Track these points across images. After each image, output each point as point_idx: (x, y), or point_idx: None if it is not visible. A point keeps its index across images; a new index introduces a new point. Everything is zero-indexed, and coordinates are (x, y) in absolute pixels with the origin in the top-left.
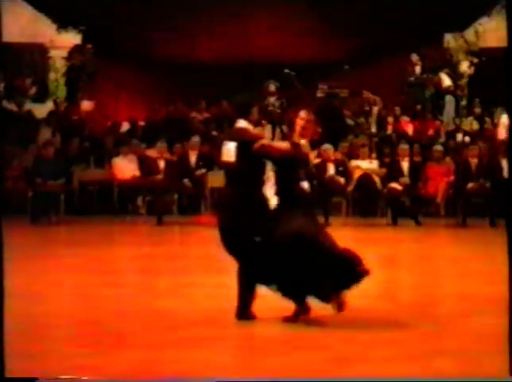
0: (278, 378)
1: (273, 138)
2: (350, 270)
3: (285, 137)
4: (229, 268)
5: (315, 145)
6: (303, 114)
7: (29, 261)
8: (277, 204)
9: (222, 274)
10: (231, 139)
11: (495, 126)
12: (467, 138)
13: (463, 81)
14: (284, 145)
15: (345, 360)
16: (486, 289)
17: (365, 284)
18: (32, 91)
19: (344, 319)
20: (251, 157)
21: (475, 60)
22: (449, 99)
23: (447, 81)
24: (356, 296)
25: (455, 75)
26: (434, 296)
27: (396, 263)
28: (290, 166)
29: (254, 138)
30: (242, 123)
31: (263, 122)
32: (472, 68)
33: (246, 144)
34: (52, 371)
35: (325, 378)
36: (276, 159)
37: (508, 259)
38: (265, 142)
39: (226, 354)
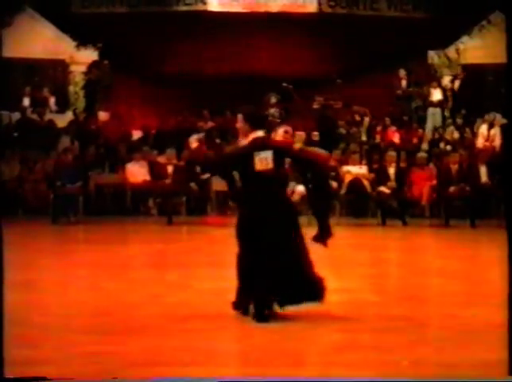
0: (278, 378)
1: None
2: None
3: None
4: (232, 263)
5: None
6: (285, 128)
7: (50, 257)
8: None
9: (226, 268)
10: (265, 148)
11: (474, 135)
12: (448, 147)
13: (447, 94)
14: (321, 151)
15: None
16: (465, 285)
17: (355, 278)
18: (54, 102)
19: (333, 310)
20: (284, 162)
21: (460, 75)
22: (432, 111)
23: (437, 95)
24: (344, 289)
25: (440, 89)
26: (416, 289)
27: (384, 259)
28: (319, 171)
29: (288, 145)
30: (260, 133)
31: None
32: (456, 83)
33: (282, 151)
34: (66, 355)
35: (326, 378)
36: (313, 164)
37: (508, 258)
38: (300, 147)
39: (226, 343)
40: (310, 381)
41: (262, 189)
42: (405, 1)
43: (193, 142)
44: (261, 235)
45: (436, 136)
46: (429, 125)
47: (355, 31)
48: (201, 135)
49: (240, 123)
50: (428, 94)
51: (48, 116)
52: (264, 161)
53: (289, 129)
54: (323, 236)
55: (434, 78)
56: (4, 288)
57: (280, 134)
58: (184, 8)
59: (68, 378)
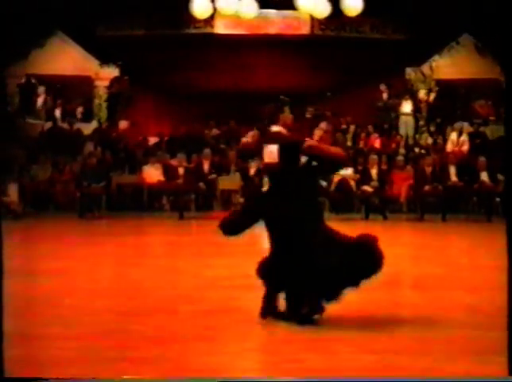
0: (278, 378)
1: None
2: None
3: (242, 157)
4: (236, 252)
5: None
6: (323, 125)
7: (78, 247)
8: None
9: (230, 257)
10: (272, 142)
11: (445, 141)
12: (423, 151)
13: (422, 105)
14: (334, 148)
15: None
16: (437, 270)
17: None
18: (81, 113)
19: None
20: (294, 157)
21: (434, 89)
22: (404, 119)
23: (406, 107)
24: None
25: (415, 101)
26: (394, 275)
27: None
28: (330, 168)
29: (297, 139)
30: (276, 128)
31: None
32: (431, 95)
33: (289, 145)
34: (92, 332)
35: (326, 378)
36: (324, 159)
37: (507, 257)
38: (313, 142)
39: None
40: (310, 381)
41: (283, 182)
42: (385, 25)
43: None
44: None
45: (412, 142)
46: (402, 132)
47: (343, 51)
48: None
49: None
50: (401, 105)
51: (76, 125)
52: (270, 154)
53: (324, 125)
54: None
55: (411, 92)
56: (37, 276)
57: (318, 133)
58: (194, 31)
59: (68, 378)
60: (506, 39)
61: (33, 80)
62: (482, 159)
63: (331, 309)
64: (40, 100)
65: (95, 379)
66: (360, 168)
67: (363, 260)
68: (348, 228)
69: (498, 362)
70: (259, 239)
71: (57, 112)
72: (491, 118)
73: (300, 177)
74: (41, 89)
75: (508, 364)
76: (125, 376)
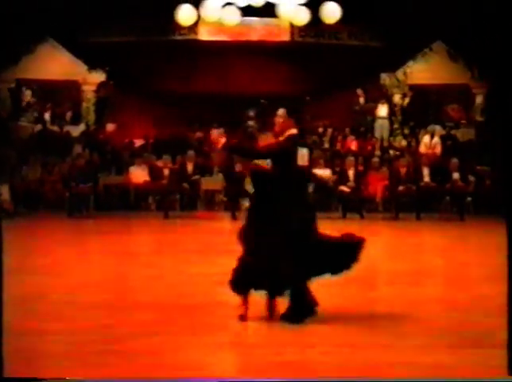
0: (278, 378)
1: None
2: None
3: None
4: (219, 250)
5: None
6: (280, 112)
7: (66, 244)
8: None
9: (213, 254)
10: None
11: (418, 143)
12: (397, 153)
13: (396, 109)
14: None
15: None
16: (411, 266)
17: None
18: (69, 116)
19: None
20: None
21: (408, 94)
22: (380, 123)
23: (382, 111)
24: None
25: (390, 105)
26: (369, 272)
27: None
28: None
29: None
30: (295, 131)
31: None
32: (405, 100)
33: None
34: (77, 327)
35: (326, 378)
36: None
37: (507, 257)
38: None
39: (213, 316)
40: (310, 381)
41: (293, 182)
42: (362, 32)
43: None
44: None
45: (387, 144)
46: (377, 135)
47: (322, 57)
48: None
49: (281, 118)
50: (376, 109)
51: (65, 128)
52: (303, 157)
53: (281, 111)
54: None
55: (386, 96)
56: (27, 273)
57: (275, 120)
58: (179, 37)
59: (68, 378)
60: (506, 45)
61: (22, 85)
62: (454, 160)
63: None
64: (28, 103)
65: (95, 379)
66: (337, 169)
67: (343, 252)
68: (327, 226)
69: (472, 354)
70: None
71: (47, 115)
72: (462, 121)
73: (293, 181)
74: (28, 93)
75: (508, 364)
76: (124, 377)
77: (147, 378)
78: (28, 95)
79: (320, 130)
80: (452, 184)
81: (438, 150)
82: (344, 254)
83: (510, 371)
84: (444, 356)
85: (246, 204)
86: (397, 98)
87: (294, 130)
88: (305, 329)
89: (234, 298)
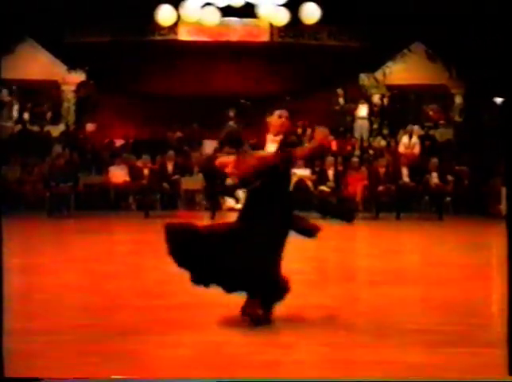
0: (278, 378)
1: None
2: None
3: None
4: None
5: None
6: (283, 113)
7: (46, 244)
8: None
9: None
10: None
11: (397, 143)
12: (377, 153)
13: (375, 109)
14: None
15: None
16: (391, 265)
17: (301, 260)
18: (49, 116)
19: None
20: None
21: (387, 94)
22: (359, 123)
23: (362, 111)
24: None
25: (369, 105)
26: (349, 271)
27: (324, 245)
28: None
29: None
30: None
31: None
32: (384, 100)
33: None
34: (58, 327)
35: (325, 378)
36: None
37: (507, 256)
38: None
39: (194, 315)
40: (310, 381)
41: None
42: (341, 32)
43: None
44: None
45: (366, 144)
46: (357, 135)
47: (301, 57)
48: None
49: (282, 119)
50: (356, 109)
51: (45, 128)
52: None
53: (284, 112)
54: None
55: (365, 96)
56: (7, 273)
57: (275, 119)
58: (159, 37)
59: (67, 378)
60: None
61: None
62: (434, 160)
63: (289, 304)
64: (5, 103)
65: (95, 379)
66: (317, 169)
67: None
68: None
69: (450, 353)
70: None
71: (26, 115)
72: (441, 121)
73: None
74: (4, 92)
75: (508, 364)
76: (124, 377)
77: (147, 378)
78: (4, 94)
79: (299, 130)
80: (430, 184)
81: (417, 150)
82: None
83: (510, 371)
84: (423, 356)
85: (229, 203)
86: (376, 98)
87: (293, 137)
88: (286, 328)
89: (214, 297)
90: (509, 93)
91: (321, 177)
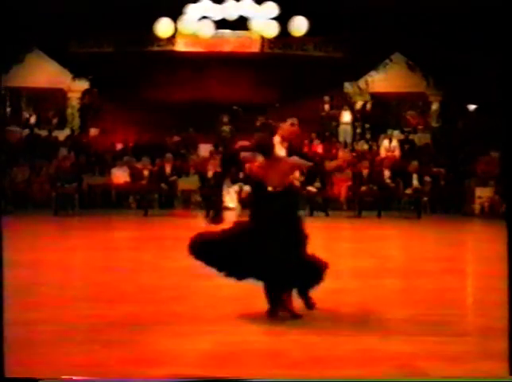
0: (278, 378)
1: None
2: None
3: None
4: None
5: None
6: (292, 120)
7: (53, 240)
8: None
9: (186, 250)
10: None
11: (378, 147)
12: (360, 155)
13: (358, 115)
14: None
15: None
16: (373, 260)
17: None
18: (55, 121)
19: None
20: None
21: (369, 101)
22: (344, 128)
23: (346, 117)
24: None
25: (353, 111)
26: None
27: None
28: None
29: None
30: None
31: (217, 143)
32: (366, 107)
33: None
34: (63, 317)
35: (325, 378)
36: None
37: (507, 256)
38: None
39: (190, 306)
40: (310, 381)
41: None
42: (327, 44)
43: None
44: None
45: (350, 148)
46: (341, 139)
47: (290, 66)
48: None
49: (294, 127)
50: (340, 115)
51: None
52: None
53: (295, 120)
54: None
55: (349, 103)
56: (18, 267)
57: (286, 127)
58: (157, 48)
59: (67, 378)
60: (459, 57)
61: (12, 92)
62: (414, 163)
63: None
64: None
65: (95, 379)
66: (305, 171)
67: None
68: None
69: (429, 342)
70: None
71: (32, 120)
72: (419, 127)
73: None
74: (14, 99)
75: (508, 364)
76: (124, 377)
77: (146, 378)
78: (14, 101)
79: None
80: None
81: (397, 153)
82: (310, 274)
83: (510, 371)
84: (404, 344)
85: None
86: (359, 105)
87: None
88: (274, 319)
89: (211, 290)
90: (509, 93)
91: (309, 178)
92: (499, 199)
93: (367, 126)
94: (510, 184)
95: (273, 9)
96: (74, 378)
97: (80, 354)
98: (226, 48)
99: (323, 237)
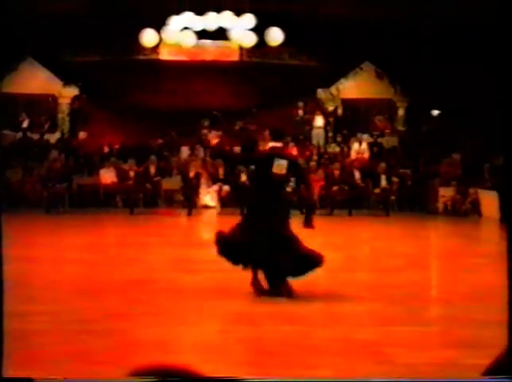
0: (278, 378)
1: (204, 158)
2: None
3: (213, 157)
4: (178, 242)
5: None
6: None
7: (45, 237)
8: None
9: (172, 245)
10: (283, 157)
11: (349, 150)
12: (332, 157)
13: (330, 120)
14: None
15: None
16: (344, 254)
17: None
18: (47, 125)
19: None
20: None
21: (340, 107)
22: (316, 132)
23: (318, 122)
24: None
25: (325, 116)
26: None
27: None
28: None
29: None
30: (278, 144)
31: (197, 146)
32: (338, 112)
33: (294, 161)
34: (56, 308)
35: (325, 378)
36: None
37: (507, 256)
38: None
39: (173, 299)
40: (310, 381)
41: (270, 186)
42: (301, 53)
43: (213, 138)
44: (263, 221)
45: (322, 150)
46: (314, 142)
47: (266, 74)
48: (219, 133)
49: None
50: (313, 120)
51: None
52: (280, 167)
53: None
54: (309, 223)
55: (321, 109)
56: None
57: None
58: (142, 57)
59: (67, 378)
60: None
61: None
62: (382, 164)
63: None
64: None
65: (95, 379)
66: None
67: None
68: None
69: (396, 331)
70: (197, 230)
71: (25, 124)
72: (387, 130)
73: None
74: (8, 105)
75: (508, 364)
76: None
77: (147, 378)
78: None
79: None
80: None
81: (366, 155)
82: (306, 263)
83: (510, 371)
84: (372, 334)
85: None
86: (331, 110)
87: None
88: (254, 308)
89: (193, 283)
90: (509, 94)
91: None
92: (461, 198)
93: (338, 130)
94: (510, 184)
95: (250, 21)
96: (74, 378)
97: (71, 343)
98: (207, 57)
99: (297, 233)
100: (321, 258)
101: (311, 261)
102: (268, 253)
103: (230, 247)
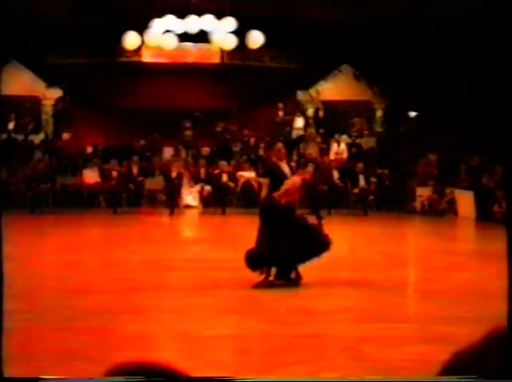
0: (279, 378)
1: (186, 159)
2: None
3: (195, 157)
4: (160, 240)
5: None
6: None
7: (29, 236)
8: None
9: (155, 244)
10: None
11: (328, 150)
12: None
13: (310, 121)
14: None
15: None
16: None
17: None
18: (31, 126)
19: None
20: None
21: (320, 108)
22: (296, 133)
23: (299, 123)
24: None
25: (305, 117)
26: None
27: None
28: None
29: None
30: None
31: (179, 146)
32: (318, 113)
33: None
34: (41, 307)
35: (325, 378)
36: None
37: (507, 256)
38: None
39: (158, 297)
40: (310, 381)
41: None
42: (281, 55)
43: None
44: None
45: (302, 151)
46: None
47: (247, 76)
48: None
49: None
50: (293, 121)
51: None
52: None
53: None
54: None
55: (301, 110)
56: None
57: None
58: (125, 59)
59: (67, 378)
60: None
61: None
62: (360, 165)
63: (248, 281)
64: None
65: (95, 379)
66: (261, 171)
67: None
68: (252, 220)
69: (371, 328)
70: (179, 229)
71: (10, 125)
72: (365, 132)
73: None
74: None
75: (508, 364)
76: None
77: (147, 378)
78: None
79: (246, 138)
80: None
81: (345, 155)
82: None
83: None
84: (349, 331)
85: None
86: (310, 112)
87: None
88: (234, 306)
89: (171, 281)
90: (509, 95)
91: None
92: (438, 197)
93: (318, 130)
94: (510, 184)
95: (231, 24)
96: (73, 378)
97: (53, 340)
98: (189, 60)
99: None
100: (329, 242)
101: (319, 246)
102: (294, 245)
103: (257, 258)
